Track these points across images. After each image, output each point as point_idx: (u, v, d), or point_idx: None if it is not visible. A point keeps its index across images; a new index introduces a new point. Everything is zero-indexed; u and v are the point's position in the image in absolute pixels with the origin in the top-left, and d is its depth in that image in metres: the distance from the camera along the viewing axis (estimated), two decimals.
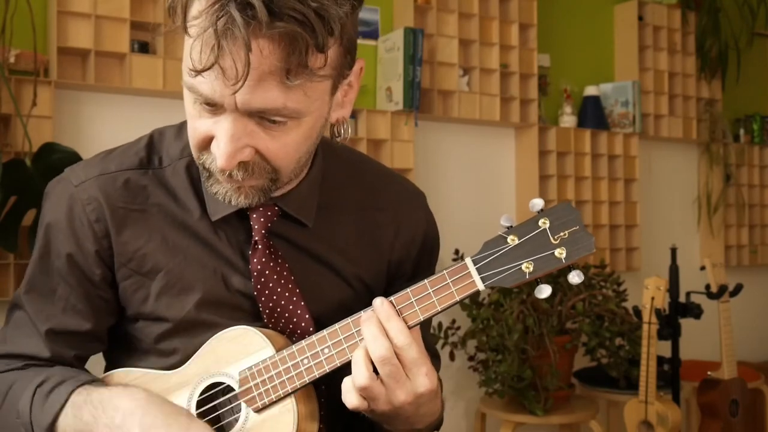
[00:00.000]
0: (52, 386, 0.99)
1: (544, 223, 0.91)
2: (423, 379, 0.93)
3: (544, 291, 0.91)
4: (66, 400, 0.97)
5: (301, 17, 0.82)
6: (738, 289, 2.79)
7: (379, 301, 0.94)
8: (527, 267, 0.91)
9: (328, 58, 0.88)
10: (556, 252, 0.91)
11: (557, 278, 2.88)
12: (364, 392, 0.92)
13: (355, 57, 0.96)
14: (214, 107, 0.89)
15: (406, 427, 0.99)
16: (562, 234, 0.91)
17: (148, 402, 0.94)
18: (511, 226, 0.93)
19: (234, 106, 0.87)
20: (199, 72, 0.84)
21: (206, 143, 0.94)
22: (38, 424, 0.98)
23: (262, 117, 0.89)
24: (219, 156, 0.90)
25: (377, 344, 0.91)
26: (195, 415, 0.99)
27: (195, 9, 0.85)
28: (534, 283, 0.93)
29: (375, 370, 0.93)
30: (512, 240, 0.92)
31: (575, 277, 0.90)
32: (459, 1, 3.17)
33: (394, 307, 0.93)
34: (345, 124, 1.03)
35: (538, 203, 0.92)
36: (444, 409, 1.08)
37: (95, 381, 1.02)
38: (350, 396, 0.94)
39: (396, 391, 0.92)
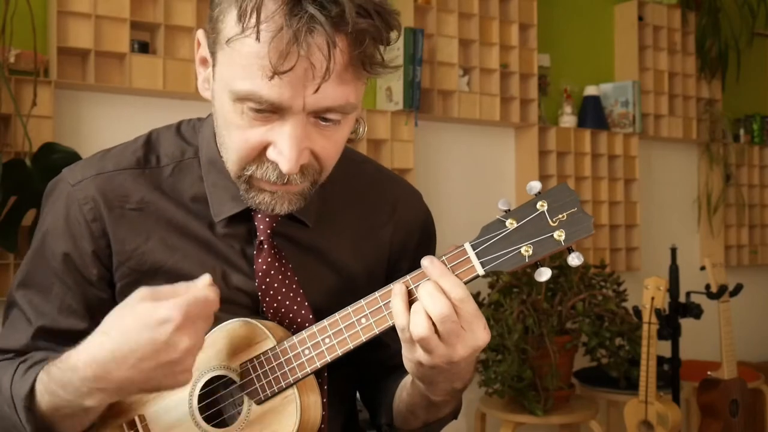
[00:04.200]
0: (33, 362, 0.98)
1: (542, 206, 0.91)
2: (482, 332, 0.91)
3: (544, 274, 0.90)
4: (42, 369, 0.95)
5: (371, 12, 0.85)
6: (738, 289, 2.79)
7: (428, 261, 0.91)
8: (526, 250, 0.90)
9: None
10: (555, 234, 0.90)
11: (557, 278, 2.88)
12: (421, 343, 0.90)
13: None
14: (271, 113, 0.89)
15: (446, 386, 0.98)
16: (560, 216, 0.90)
17: (101, 339, 0.89)
18: (509, 210, 0.92)
19: (301, 107, 0.88)
20: (281, 73, 0.84)
21: (257, 153, 0.93)
22: (17, 395, 0.96)
23: (318, 117, 0.91)
24: (284, 161, 0.90)
25: (435, 302, 0.88)
26: (198, 415, 0.99)
27: (268, 10, 0.84)
28: (533, 266, 0.92)
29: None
30: (511, 223, 0.91)
31: (575, 259, 0.90)
32: (459, 1, 3.17)
33: (446, 264, 0.91)
34: (362, 122, 1.04)
35: (535, 186, 0.91)
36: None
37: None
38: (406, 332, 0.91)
39: (456, 347, 0.90)
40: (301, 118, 0.89)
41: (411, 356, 0.93)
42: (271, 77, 0.85)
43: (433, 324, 0.89)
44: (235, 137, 0.93)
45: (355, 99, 0.91)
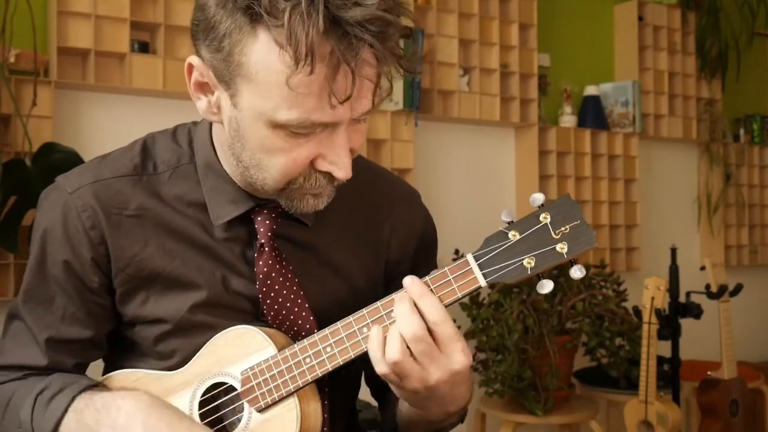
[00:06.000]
0: (52, 393, 0.99)
1: (545, 218, 0.91)
2: (459, 355, 0.91)
3: (546, 286, 0.91)
4: (68, 406, 0.97)
5: (396, 11, 0.88)
6: (738, 289, 2.79)
7: (409, 280, 0.93)
8: (529, 262, 0.91)
9: None
10: (558, 247, 0.90)
11: (557, 278, 2.88)
12: (395, 367, 0.91)
13: None
14: (317, 128, 0.90)
15: (439, 410, 0.98)
16: (563, 228, 0.91)
17: (151, 404, 0.94)
18: (512, 221, 0.93)
19: (350, 117, 0.90)
20: (345, 101, 0.86)
21: (304, 167, 0.94)
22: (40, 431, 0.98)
23: (357, 119, 0.93)
24: (340, 170, 0.93)
25: (408, 322, 0.90)
26: (198, 420, 0.99)
27: (321, 49, 0.84)
28: (535, 278, 0.93)
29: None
30: (513, 235, 0.92)
31: (577, 272, 0.90)
32: (459, 1, 3.17)
33: (428, 285, 0.92)
34: None
35: (538, 198, 0.92)
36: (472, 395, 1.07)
37: (97, 386, 1.02)
38: (381, 365, 0.92)
39: (429, 369, 0.91)
40: (346, 125, 0.92)
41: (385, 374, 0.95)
42: (334, 106, 0.87)
43: (408, 347, 0.90)
44: (280, 160, 0.93)
45: (380, 97, 0.94)
